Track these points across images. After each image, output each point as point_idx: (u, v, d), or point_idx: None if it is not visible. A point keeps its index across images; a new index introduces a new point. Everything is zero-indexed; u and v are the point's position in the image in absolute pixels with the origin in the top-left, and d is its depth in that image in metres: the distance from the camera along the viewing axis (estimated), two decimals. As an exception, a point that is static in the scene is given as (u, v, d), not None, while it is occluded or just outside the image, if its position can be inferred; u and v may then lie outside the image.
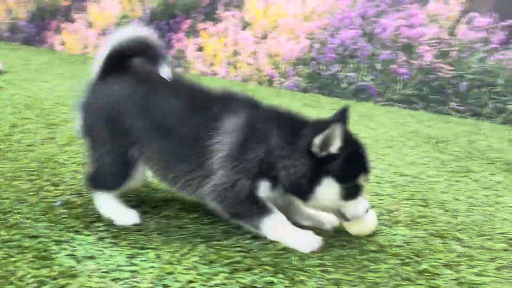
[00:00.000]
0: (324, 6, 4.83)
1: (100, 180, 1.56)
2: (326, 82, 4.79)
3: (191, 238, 1.45)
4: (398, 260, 1.38)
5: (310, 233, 1.45)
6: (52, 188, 1.75)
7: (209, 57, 5.68)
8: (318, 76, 4.86)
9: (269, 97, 3.93)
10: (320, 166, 1.40)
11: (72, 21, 7.23)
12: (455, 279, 1.30)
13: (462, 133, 3.29)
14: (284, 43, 5.09)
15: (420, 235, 1.57)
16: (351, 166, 1.42)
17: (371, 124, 3.38)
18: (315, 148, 1.39)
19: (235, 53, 5.49)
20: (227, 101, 1.52)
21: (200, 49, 5.73)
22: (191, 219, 1.59)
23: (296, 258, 1.35)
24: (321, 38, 4.84)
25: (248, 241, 1.45)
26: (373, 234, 1.53)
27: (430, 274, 1.31)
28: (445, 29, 4.11)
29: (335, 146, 1.39)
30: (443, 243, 1.51)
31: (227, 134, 1.45)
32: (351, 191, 1.43)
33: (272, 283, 1.22)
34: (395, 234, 1.54)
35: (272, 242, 1.45)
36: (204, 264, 1.29)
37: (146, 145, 1.52)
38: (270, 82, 5.16)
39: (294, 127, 1.46)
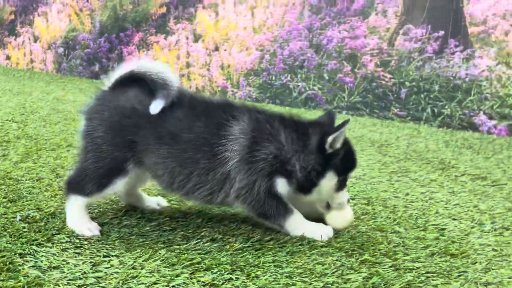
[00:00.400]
0: (273, 19, 5.04)
1: (80, 184, 1.59)
2: (277, 92, 4.97)
3: (152, 244, 1.53)
4: (343, 253, 1.52)
5: (323, 225, 1.65)
6: (10, 204, 1.77)
7: (162, 70, 5.72)
8: (269, 86, 5.04)
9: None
10: (326, 161, 1.59)
11: (17, 35, 7.04)
12: (392, 266, 1.46)
13: (402, 137, 3.55)
14: (235, 55, 5.24)
15: (363, 230, 1.73)
16: (347, 161, 1.63)
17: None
18: (327, 146, 1.58)
19: (188, 65, 5.58)
20: (229, 109, 1.62)
21: (152, 61, 5.76)
22: (152, 227, 1.67)
23: (252, 256, 1.47)
24: (271, 50, 5.03)
25: (207, 244, 1.55)
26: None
27: (371, 263, 1.47)
28: (385, 40, 4.42)
29: (340, 143, 1.59)
30: (383, 235, 1.68)
31: (234, 140, 1.56)
32: (342, 183, 1.64)
33: (230, 279, 1.33)
34: (341, 230, 1.70)
35: (229, 243, 1.56)
36: (166, 267, 1.38)
37: (153, 152, 1.58)
38: (223, 93, 5.28)
39: (299, 127, 1.63)
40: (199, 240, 1.58)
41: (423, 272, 1.44)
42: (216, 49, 5.38)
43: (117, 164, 1.60)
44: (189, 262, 1.42)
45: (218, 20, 5.35)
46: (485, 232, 1.80)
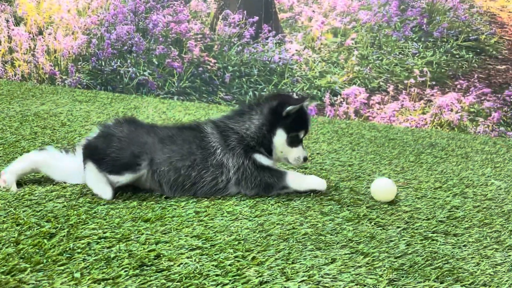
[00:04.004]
0: (97, 1, 4.79)
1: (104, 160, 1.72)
2: (108, 78, 4.82)
3: None
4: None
5: (315, 176, 2.00)
6: None
7: (-23, 58, 5.19)
8: (99, 72, 4.86)
9: (44, 97, 3.81)
10: (278, 122, 1.90)
11: None
12: None
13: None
14: (61, 39, 4.92)
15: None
16: (295, 123, 1.92)
17: (134, 115, 3.56)
18: (284, 112, 1.89)
19: (11, 51, 5.11)
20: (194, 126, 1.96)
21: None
22: None
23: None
24: (98, 34, 4.81)
25: None
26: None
27: None
28: (206, 25, 4.48)
29: (290, 109, 1.89)
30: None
31: (211, 136, 1.90)
32: (293, 140, 1.92)
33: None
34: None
35: None
36: None
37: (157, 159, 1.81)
38: (52, 80, 4.98)
39: (243, 112, 1.96)
40: None
41: None
42: (40, 33, 4.99)
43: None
44: None
45: (40, 2, 4.93)
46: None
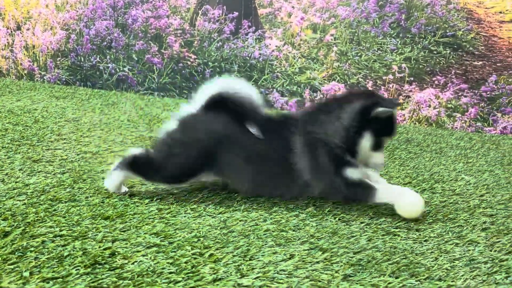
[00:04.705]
0: (76, -4, 4.74)
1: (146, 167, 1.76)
2: (87, 74, 4.77)
3: None
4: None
5: (410, 190, 1.78)
6: None
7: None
8: (79, 68, 4.81)
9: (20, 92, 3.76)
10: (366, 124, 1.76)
11: None
12: None
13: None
14: (39, 35, 4.85)
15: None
16: (383, 126, 1.79)
17: (111, 111, 3.51)
18: (373, 114, 1.75)
19: (-11, 46, 5.04)
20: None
21: None
22: None
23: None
24: (76, 29, 4.76)
25: None
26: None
27: None
28: (186, 21, 4.45)
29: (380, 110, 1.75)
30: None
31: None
32: (378, 144, 1.79)
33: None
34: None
35: None
36: None
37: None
38: (31, 76, 4.91)
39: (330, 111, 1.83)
40: None
41: None
42: (18, 28, 4.92)
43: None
44: None
45: (17, -5, 4.86)
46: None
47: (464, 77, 3.88)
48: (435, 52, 3.95)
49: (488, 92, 3.86)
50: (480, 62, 3.81)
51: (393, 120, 1.82)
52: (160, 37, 4.52)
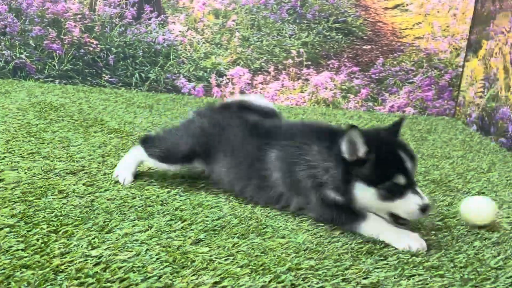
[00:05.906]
0: (-39, -23, 4.38)
1: (153, 145, 1.84)
2: (-20, 62, 4.47)
3: None
4: None
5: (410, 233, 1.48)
6: None
7: None
8: (-30, 56, 4.48)
9: None
10: (352, 171, 1.43)
11: None
12: None
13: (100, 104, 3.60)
14: None
15: None
16: (381, 169, 1.41)
17: (1, 100, 3.35)
18: (344, 154, 1.44)
19: None
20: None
21: None
22: None
23: None
24: (-36, 14, 4.42)
25: None
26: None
27: None
28: (85, 5, 4.31)
29: (361, 151, 1.41)
30: None
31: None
32: (390, 192, 1.40)
33: None
34: None
35: None
36: None
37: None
38: None
39: (331, 138, 1.56)
40: None
41: None
42: None
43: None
44: None
45: None
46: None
47: (355, 61, 4.15)
48: (328, 37, 4.18)
49: (376, 74, 4.17)
50: (369, 46, 4.10)
51: (395, 150, 1.45)
52: (58, 22, 4.34)
